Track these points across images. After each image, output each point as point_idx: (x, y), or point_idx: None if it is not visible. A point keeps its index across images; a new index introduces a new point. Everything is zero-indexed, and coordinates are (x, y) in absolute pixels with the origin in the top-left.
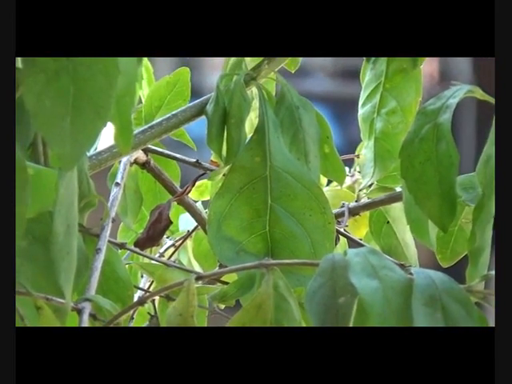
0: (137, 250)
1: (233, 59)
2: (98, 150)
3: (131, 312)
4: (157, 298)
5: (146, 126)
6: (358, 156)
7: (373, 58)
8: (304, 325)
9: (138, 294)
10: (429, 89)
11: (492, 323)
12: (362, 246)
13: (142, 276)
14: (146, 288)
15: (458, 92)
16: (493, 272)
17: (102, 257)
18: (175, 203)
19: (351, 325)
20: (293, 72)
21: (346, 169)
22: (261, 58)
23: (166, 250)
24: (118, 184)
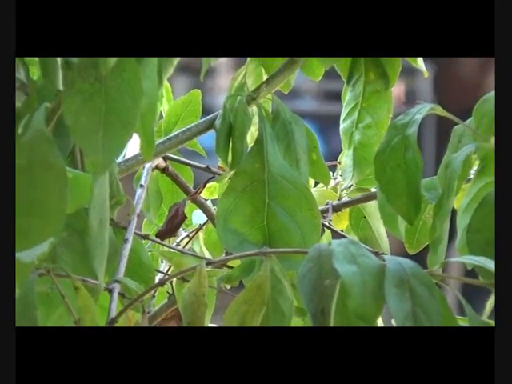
0: (158, 240)
1: (237, 83)
2: (125, 157)
3: (153, 291)
4: (174, 279)
5: (165, 138)
6: (339, 162)
7: (352, 82)
8: (295, 302)
9: (158, 277)
10: (397, 107)
11: (450, 301)
12: (343, 237)
13: (161, 262)
14: (165, 271)
15: (422, 109)
16: (451, 259)
17: (128, 246)
18: (189, 201)
19: (334, 302)
20: (286, 93)
21: (330, 173)
22: (260, 82)
23: (181, 240)
24: (142, 186)
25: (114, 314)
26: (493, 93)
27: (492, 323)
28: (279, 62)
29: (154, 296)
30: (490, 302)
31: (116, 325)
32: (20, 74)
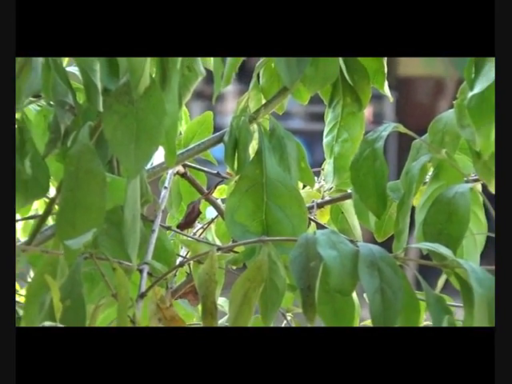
0: (178, 230)
1: (241, 106)
2: (152, 165)
3: (174, 271)
4: (191, 262)
5: (184, 150)
6: (323, 169)
7: (333, 105)
8: (288, 280)
9: (179, 260)
10: (367, 126)
11: (410, 278)
12: (325, 228)
13: (181, 248)
14: (184, 255)
15: (388, 127)
16: (411, 245)
17: (155, 235)
18: (203, 200)
19: (318, 280)
20: (280, 114)
21: (315, 178)
22: (260, 105)
23: (197, 230)
24: (166, 187)
25: (143, 289)
26: (443, 114)
27: (443, 296)
28: (275, 89)
29: (175, 275)
30: (441, 279)
31: (144, 298)
32: (69, 99)
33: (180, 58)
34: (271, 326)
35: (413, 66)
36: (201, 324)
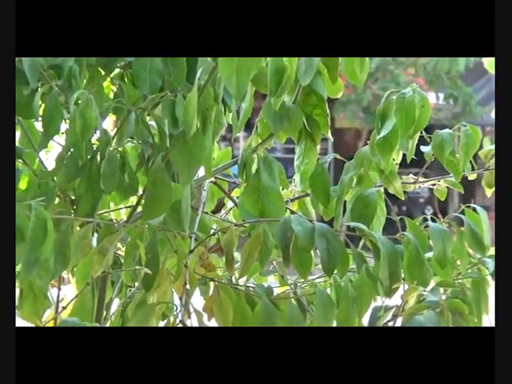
0: (212, 214)
1: (247, 144)
2: (198, 177)
3: (209, 237)
4: (219, 232)
5: (215, 168)
6: (294, 179)
7: (299, 143)
8: (274, 242)
9: (212, 231)
10: (317, 155)
11: (342, 241)
12: (295, 213)
13: (213, 224)
14: (215, 228)
15: (330, 156)
16: (344, 224)
17: (199, 217)
18: (226, 197)
19: (292, 243)
20: (269, 148)
21: (289, 184)
22: (258, 144)
23: (222, 214)
24: (204, 190)
25: (192, 247)
26: (362, 148)
27: (361, 252)
28: (266, 134)
29: (209, 239)
30: (361, 243)
31: (192, 253)
32: (150, 140)
33: (213, 116)
34: (264, 268)
35: (343, 122)
36: (225, 268)
